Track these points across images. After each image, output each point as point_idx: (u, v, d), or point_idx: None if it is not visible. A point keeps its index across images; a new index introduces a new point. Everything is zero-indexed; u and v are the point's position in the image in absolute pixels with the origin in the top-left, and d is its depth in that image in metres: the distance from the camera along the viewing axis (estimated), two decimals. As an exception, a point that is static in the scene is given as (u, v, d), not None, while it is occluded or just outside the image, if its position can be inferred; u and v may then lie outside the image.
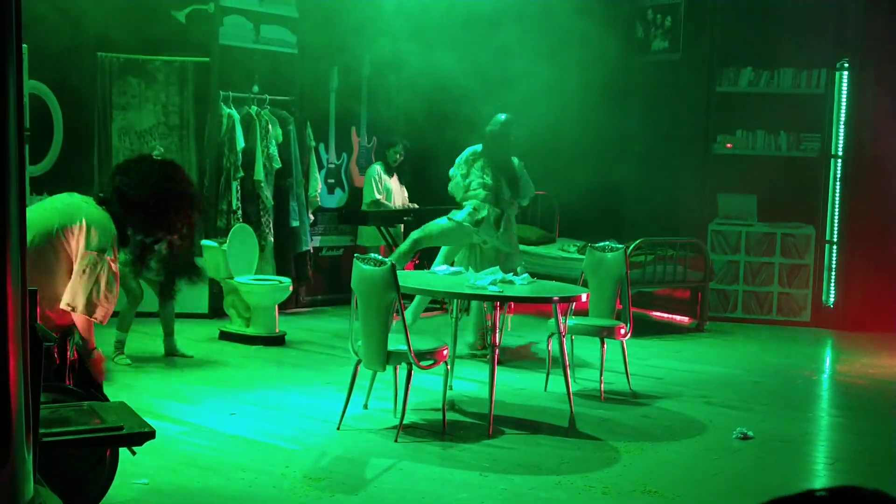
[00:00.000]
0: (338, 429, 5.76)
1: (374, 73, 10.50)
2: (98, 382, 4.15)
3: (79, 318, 4.18)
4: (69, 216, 4.32)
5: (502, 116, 8.18)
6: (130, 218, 4.46)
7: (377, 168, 10.07)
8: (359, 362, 5.84)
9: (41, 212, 4.65)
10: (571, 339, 7.04)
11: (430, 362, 5.71)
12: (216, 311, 9.00)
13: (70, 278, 4.25)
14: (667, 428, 6.11)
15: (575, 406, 6.14)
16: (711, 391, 7.12)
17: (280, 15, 9.74)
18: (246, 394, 6.55)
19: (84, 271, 4.14)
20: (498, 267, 6.82)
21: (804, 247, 10.05)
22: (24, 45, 6.08)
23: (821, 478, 5.38)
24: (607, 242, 7.28)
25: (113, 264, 4.27)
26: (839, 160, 10.02)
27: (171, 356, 7.56)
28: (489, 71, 10.40)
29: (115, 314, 6.67)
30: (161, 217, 4.48)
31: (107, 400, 4.18)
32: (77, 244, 4.21)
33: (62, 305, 4.12)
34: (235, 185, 9.16)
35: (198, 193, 4.66)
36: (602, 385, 6.82)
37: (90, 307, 4.27)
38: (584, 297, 6.44)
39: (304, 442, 5.53)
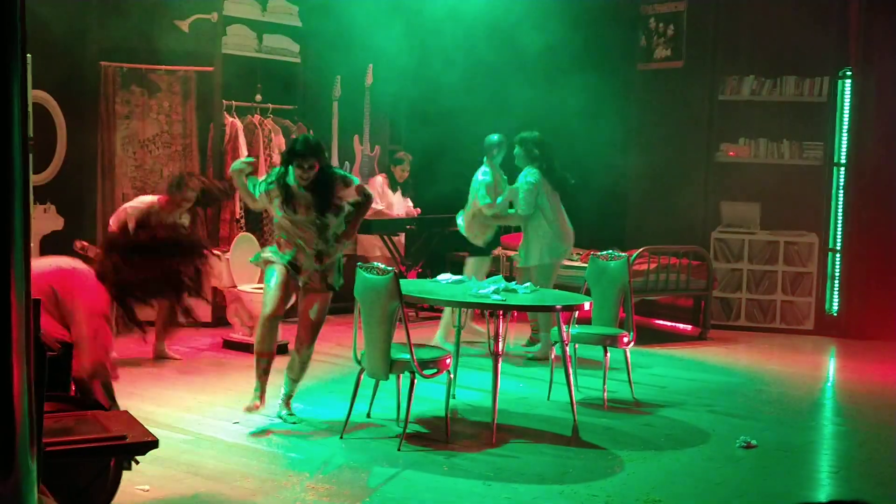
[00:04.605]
0: (341, 437, 5.75)
1: (376, 81, 10.51)
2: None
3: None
4: (64, 277, 4.26)
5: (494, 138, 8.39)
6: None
7: (380, 179, 10.08)
8: (362, 371, 5.84)
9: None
10: (574, 348, 7.04)
11: (433, 371, 5.71)
12: (219, 319, 9.00)
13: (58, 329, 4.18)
14: (670, 436, 6.10)
15: (578, 415, 6.14)
16: (715, 400, 7.11)
17: (283, 24, 9.76)
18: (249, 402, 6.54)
19: (91, 337, 4.10)
20: (501, 276, 6.83)
21: (807, 255, 10.05)
22: (28, 55, 6.10)
23: (824, 486, 5.36)
24: (610, 251, 7.28)
25: (111, 323, 4.26)
26: (842, 168, 10.02)
27: (160, 359, 7.69)
28: (491, 79, 10.43)
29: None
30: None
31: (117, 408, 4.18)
32: (77, 310, 4.15)
33: (83, 374, 4.07)
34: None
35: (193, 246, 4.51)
36: (605, 394, 6.81)
37: (107, 370, 4.22)
38: (586, 306, 6.43)
39: (307, 450, 5.53)
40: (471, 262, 8.58)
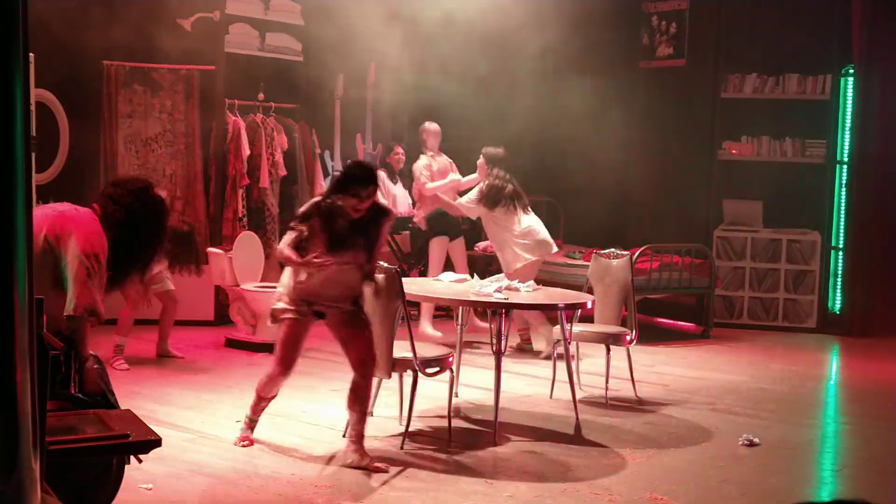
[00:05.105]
0: (343, 436, 5.75)
1: (378, 80, 10.51)
2: (91, 391, 4.13)
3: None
4: (54, 221, 4.27)
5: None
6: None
7: (380, 174, 10.07)
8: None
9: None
10: (577, 346, 7.04)
11: (436, 370, 5.71)
12: (222, 318, 9.01)
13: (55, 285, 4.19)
14: (672, 435, 6.10)
15: (580, 413, 6.14)
16: (717, 398, 7.11)
17: (285, 23, 9.75)
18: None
19: (83, 276, 4.11)
20: (503, 274, 6.83)
21: (810, 253, 10.04)
22: (31, 54, 6.09)
23: (827, 485, 5.36)
24: (612, 249, 7.28)
25: (103, 269, 4.25)
26: (845, 166, 10.01)
27: (164, 357, 7.71)
28: (493, 79, 10.42)
29: (112, 320, 6.72)
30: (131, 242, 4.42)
31: (116, 406, 4.19)
32: (69, 249, 4.16)
33: (66, 313, 4.09)
34: (241, 192, 9.18)
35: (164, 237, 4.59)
36: (607, 392, 6.81)
37: (94, 312, 4.23)
38: (589, 304, 6.43)
39: (309, 449, 5.54)
40: (433, 246, 9.00)
